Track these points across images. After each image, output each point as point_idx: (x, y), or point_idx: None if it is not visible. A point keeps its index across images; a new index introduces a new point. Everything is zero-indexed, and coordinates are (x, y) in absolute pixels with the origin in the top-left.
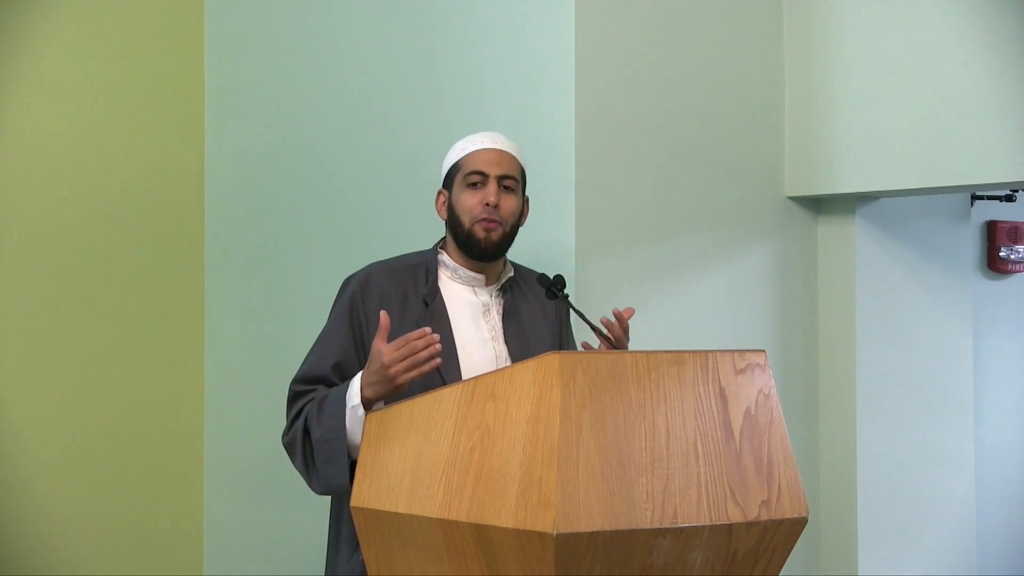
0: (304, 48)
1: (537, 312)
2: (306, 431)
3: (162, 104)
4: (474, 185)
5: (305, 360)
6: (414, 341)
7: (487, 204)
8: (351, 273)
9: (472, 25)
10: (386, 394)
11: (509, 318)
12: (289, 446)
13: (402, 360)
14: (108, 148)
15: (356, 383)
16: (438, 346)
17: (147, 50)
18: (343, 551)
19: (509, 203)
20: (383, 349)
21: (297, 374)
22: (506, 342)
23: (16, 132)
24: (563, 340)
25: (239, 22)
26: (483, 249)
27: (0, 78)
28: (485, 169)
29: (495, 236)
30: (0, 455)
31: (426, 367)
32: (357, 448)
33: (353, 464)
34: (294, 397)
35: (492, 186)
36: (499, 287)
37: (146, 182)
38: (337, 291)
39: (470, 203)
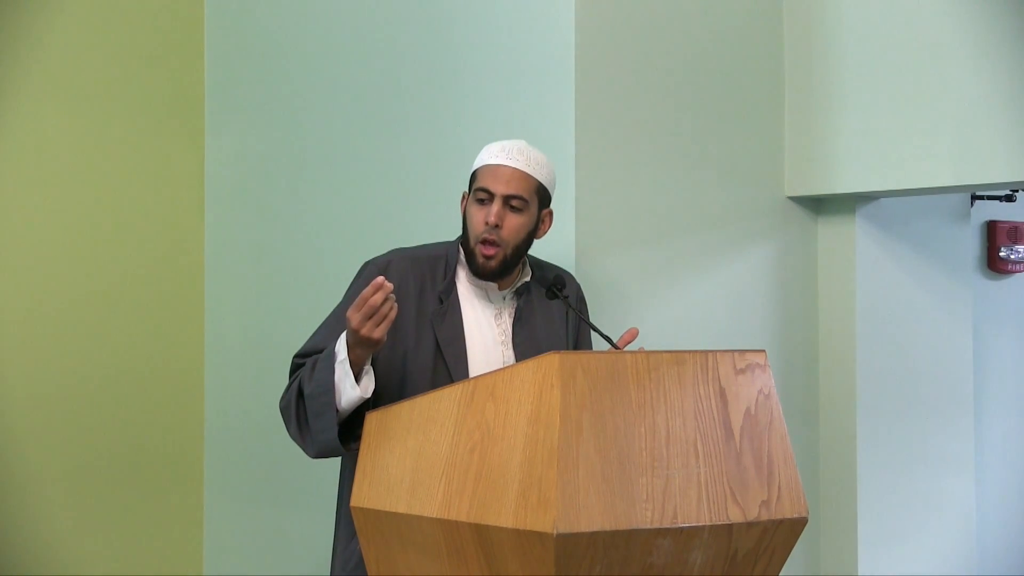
0: (304, 48)
1: (554, 314)
2: (300, 393)
3: (162, 104)
4: (481, 201)
5: (312, 337)
6: (370, 298)
7: (487, 224)
8: (371, 258)
9: (472, 25)
10: (370, 350)
11: (520, 323)
12: (285, 410)
13: (367, 319)
14: (108, 148)
15: (342, 339)
16: (389, 285)
17: (147, 50)
18: (341, 539)
19: (513, 223)
20: (349, 315)
21: (301, 349)
22: (515, 347)
23: (16, 132)
24: (578, 341)
25: (239, 22)
26: (480, 273)
27: (0, 78)
28: (491, 187)
29: (493, 263)
30: (0, 455)
31: (392, 313)
32: (346, 406)
33: (343, 423)
34: (294, 368)
35: (495, 206)
36: (514, 291)
37: (146, 182)
38: (354, 275)
39: (475, 219)
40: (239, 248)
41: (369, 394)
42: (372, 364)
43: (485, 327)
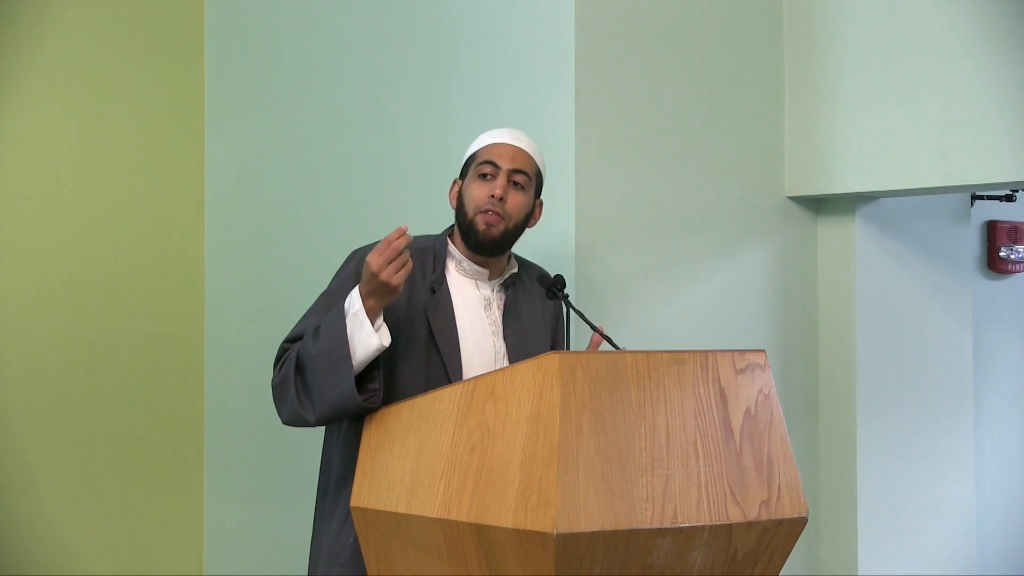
0: (304, 48)
1: (537, 310)
2: (297, 365)
3: (162, 104)
4: (484, 176)
5: (300, 322)
6: (395, 242)
7: (492, 196)
8: (359, 247)
9: (472, 25)
10: (385, 300)
11: (509, 314)
12: (280, 385)
13: (389, 263)
14: (108, 148)
15: (354, 293)
16: (410, 237)
17: (147, 50)
18: (327, 533)
19: (517, 199)
20: (370, 259)
21: (290, 334)
22: (505, 338)
23: (16, 132)
24: (556, 339)
25: (239, 22)
26: (480, 242)
27: (0, 78)
28: (497, 161)
29: (495, 232)
30: (0, 455)
31: (410, 264)
32: (362, 358)
33: (359, 376)
34: (283, 352)
35: (501, 179)
36: (502, 282)
37: (146, 181)
38: (343, 261)
39: (477, 194)
40: (239, 247)
41: (388, 342)
42: None
43: (475, 317)
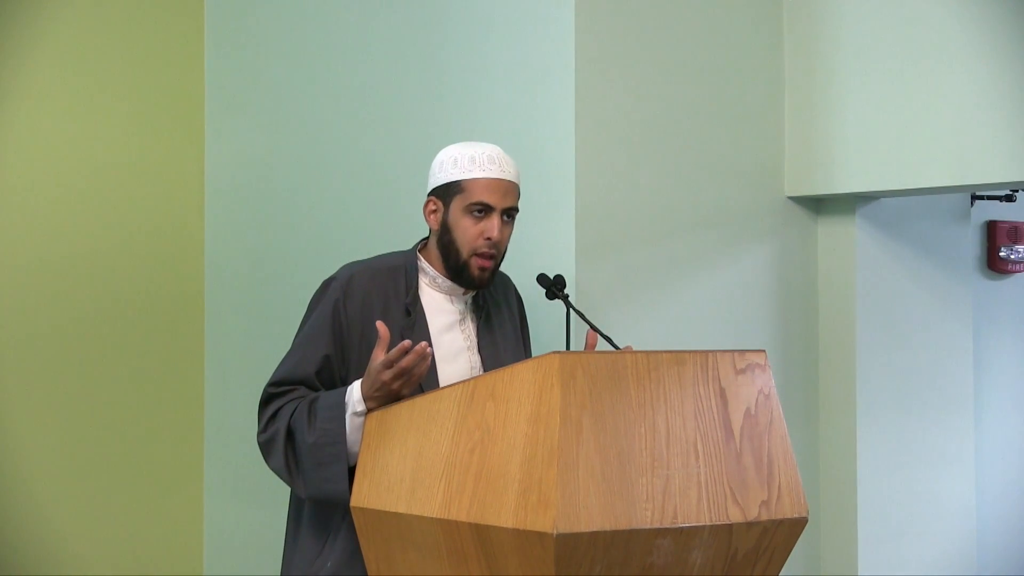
0: (304, 48)
1: (506, 317)
2: (289, 433)
3: (162, 104)
4: (477, 213)
5: (283, 363)
6: (411, 359)
7: (489, 239)
8: (330, 275)
9: (472, 26)
10: (388, 401)
11: (483, 327)
12: (266, 444)
13: (400, 376)
14: (108, 149)
15: (357, 391)
16: (428, 357)
17: (147, 50)
18: (301, 549)
19: (507, 233)
20: (383, 374)
21: (274, 377)
22: (480, 350)
23: (16, 132)
24: (524, 339)
25: (239, 22)
26: (475, 285)
27: (0, 78)
28: (491, 202)
29: (487, 275)
30: (0, 455)
31: (424, 367)
32: (354, 456)
33: (350, 470)
34: (268, 399)
35: (496, 220)
36: (474, 295)
37: (146, 182)
38: (315, 292)
39: (470, 232)
40: (239, 248)
41: None
42: (344, 378)
43: (451, 335)
